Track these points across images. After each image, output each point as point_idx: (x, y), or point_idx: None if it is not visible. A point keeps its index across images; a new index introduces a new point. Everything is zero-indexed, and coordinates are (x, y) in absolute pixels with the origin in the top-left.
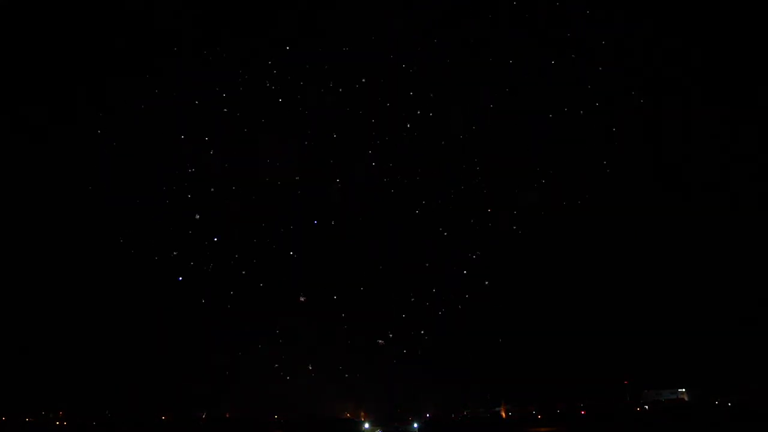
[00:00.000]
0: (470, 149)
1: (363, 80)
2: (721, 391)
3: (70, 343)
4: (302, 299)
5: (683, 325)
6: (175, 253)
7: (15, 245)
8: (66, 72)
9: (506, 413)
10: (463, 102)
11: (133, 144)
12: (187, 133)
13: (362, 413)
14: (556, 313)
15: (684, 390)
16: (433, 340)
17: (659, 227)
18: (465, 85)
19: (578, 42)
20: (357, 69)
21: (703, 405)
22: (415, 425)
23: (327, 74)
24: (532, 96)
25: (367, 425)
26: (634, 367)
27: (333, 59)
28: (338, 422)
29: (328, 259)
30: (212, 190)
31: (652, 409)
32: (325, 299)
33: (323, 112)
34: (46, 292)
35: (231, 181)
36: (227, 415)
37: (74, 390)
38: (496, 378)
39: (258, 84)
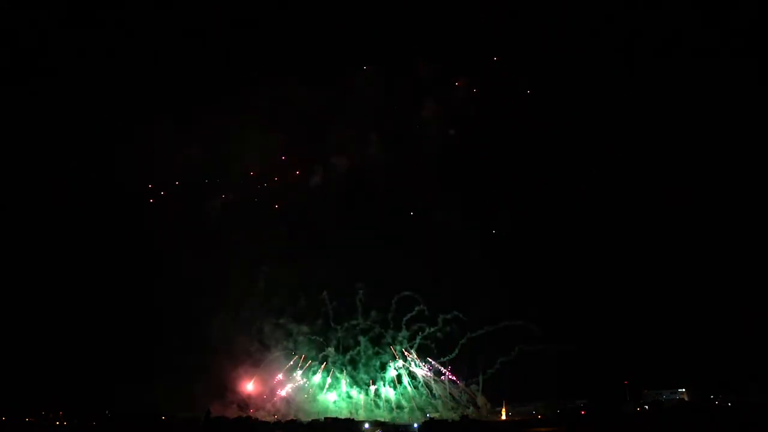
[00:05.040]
0: None
1: None
2: (721, 391)
3: (69, 344)
4: None
5: (683, 325)
6: (171, 255)
7: (15, 247)
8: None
9: (507, 414)
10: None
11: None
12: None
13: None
14: (557, 314)
15: (684, 390)
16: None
17: (659, 228)
18: None
19: None
20: None
21: (703, 405)
22: (415, 425)
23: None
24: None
25: (367, 425)
26: (634, 367)
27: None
28: (338, 422)
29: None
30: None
31: (652, 409)
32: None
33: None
34: (46, 293)
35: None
36: (227, 415)
37: (74, 390)
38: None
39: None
